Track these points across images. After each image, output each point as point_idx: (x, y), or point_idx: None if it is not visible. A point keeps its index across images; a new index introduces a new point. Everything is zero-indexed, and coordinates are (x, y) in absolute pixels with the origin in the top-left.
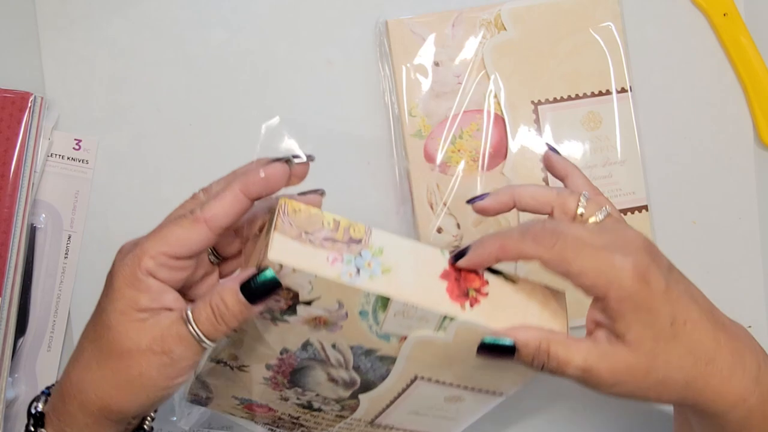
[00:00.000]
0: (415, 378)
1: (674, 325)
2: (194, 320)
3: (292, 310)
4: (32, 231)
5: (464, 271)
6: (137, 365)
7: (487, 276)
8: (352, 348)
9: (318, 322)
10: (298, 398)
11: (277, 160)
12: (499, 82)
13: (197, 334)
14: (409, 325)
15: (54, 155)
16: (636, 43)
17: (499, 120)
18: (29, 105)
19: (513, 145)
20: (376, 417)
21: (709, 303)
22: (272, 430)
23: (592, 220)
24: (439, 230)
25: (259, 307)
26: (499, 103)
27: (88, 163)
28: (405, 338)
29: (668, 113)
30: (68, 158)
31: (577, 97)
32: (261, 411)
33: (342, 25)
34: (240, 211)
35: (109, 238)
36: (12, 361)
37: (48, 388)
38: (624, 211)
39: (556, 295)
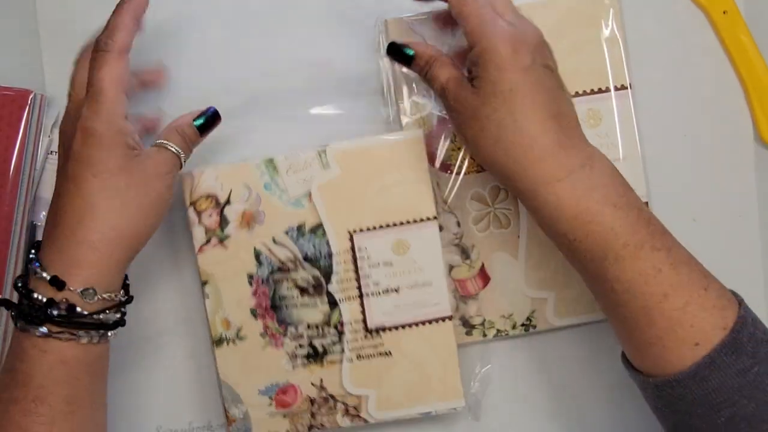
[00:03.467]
0: (351, 237)
1: (512, 93)
2: (167, 139)
3: (224, 220)
4: (32, 228)
5: None
6: (154, 189)
7: None
8: (287, 234)
9: (248, 220)
10: (299, 345)
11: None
12: None
13: (177, 150)
14: (304, 178)
15: (54, 152)
16: (636, 40)
17: None
18: (29, 102)
19: None
20: (365, 320)
21: (564, 112)
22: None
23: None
24: (440, 228)
25: (205, 136)
26: None
27: None
28: (311, 194)
29: (668, 111)
30: None
31: (577, 94)
32: (291, 398)
33: (342, 24)
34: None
35: None
36: None
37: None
38: None
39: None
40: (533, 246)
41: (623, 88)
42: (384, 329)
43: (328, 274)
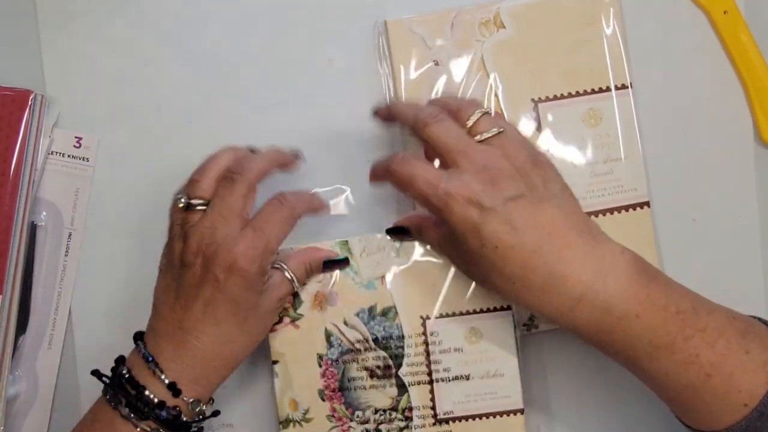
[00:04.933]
0: (424, 322)
1: (484, 248)
2: (293, 274)
3: (297, 300)
4: (33, 229)
5: None
6: (269, 321)
7: None
8: (358, 316)
9: (320, 301)
10: (366, 430)
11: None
12: (498, 80)
13: (297, 287)
14: (378, 261)
15: (54, 153)
16: (636, 40)
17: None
18: (30, 103)
19: None
20: (433, 407)
21: (553, 232)
22: None
23: (477, 138)
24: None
25: (327, 271)
26: (499, 102)
27: (88, 160)
28: (384, 278)
29: (668, 110)
30: (69, 156)
31: (578, 94)
32: None
33: (342, 24)
34: None
35: (109, 235)
36: (13, 359)
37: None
38: (626, 208)
39: None
40: None
41: (623, 87)
42: (453, 418)
43: (398, 357)
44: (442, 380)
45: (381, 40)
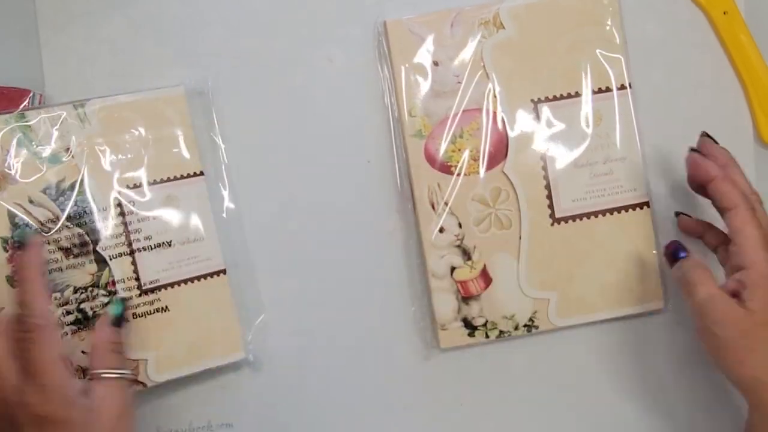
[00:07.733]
0: (118, 192)
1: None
2: (111, 369)
3: None
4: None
5: None
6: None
7: None
8: (45, 192)
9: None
10: (66, 312)
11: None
12: (498, 80)
13: (122, 373)
14: (62, 133)
15: None
16: (635, 40)
17: (499, 118)
18: (28, 101)
19: (513, 144)
20: (138, 277)
21: None
22: None
23: None
24: (441, 230)
25: (125, 328)
26: (498, 102)
27: None
28: (69, 149)
29: (668, 111)
30: None
31: (577, 94)
32: None
33: (342, 24)
34: None
35: None
36: None
37: None
38: (626, 208)
39: None
40: (534, 247)
41: (623, 88)
42: (159, 287)
43: (95, 232)
44: (144, 249)
45: (381, 41)
